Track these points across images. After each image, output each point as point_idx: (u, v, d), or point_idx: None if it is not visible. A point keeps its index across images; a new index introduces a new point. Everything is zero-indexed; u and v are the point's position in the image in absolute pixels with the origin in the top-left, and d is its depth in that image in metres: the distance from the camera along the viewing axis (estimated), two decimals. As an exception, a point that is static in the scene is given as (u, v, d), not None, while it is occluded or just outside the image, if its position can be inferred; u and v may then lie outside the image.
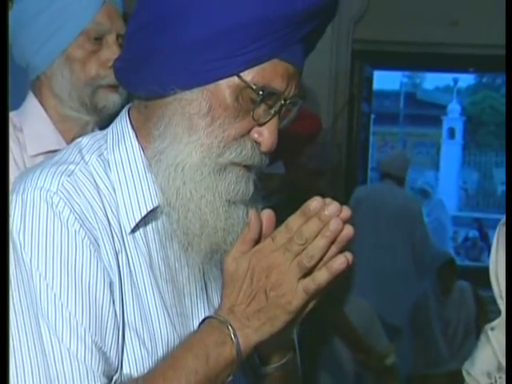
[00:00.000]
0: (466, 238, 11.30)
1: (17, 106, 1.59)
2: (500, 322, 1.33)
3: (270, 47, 0.91)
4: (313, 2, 0.92)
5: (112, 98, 1.52)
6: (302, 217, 0.88)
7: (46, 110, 1.55)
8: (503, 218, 1.30)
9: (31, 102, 1.57)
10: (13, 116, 1.56)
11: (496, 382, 1.32)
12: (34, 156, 1.49)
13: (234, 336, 0.88)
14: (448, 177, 18.13)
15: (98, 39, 1.51)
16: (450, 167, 18.21)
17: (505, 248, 1.28)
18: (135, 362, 0.92)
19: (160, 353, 0.93)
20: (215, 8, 0.90)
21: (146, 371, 0.91)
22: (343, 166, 4.91)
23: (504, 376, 1.32)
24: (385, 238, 4.19)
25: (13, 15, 1.53)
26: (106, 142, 0.99)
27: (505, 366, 1.32)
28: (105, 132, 1.02)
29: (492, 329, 1.35)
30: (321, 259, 0.87)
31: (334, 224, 0.86)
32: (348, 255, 0.87)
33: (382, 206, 4.20)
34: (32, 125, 1.54)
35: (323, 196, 0.89)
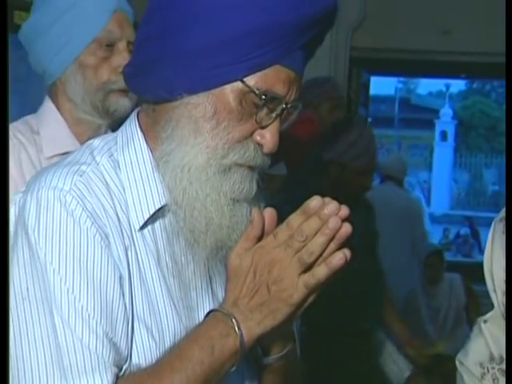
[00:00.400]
0: (458, 235, 11.31)
1: (34, 110, 1.59)
2: (493, 314, 1.33)
3: (273, 54, 0.91)
4: (315, 10, 0.91)
5: (123, 102, 1.52)
6: (302, 215, 0.87)
7: (61, 113, 1.55)
8: (498, 215, 1.29)
9: (47, 106, 1.57)
10: (30, 119, 1.56)
11: (488, 371, 1.31)
12: (50, 157, 1.49)
13: (238, 328, 0.88)
14: (440, 177, 18.15)
15: (110, 46, 1.50)
16: (443, 168, 18.23)
17: (500, 244, 1.27)
18: (144, 352, 0.91)
19: (167, 344, 0.92)
20: (221, 16, 0.90)
21: (153, 361, 0.90)
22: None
23: (496, 366, 1.31)
24: (389, 236, 4.24)
25: (29, 26, 1.54)
26: (116, 143, 0.99)
27: (496, 357, 1.31)
28: (115, 134, 1.01)
29: (485, 321, 1.34)
30: (320, 255, 0.87)
31: (333, 222, 0.85)
32: (346, 252, 0.86)
33: (387, 206, 4.25)
34: (48, 128, 1.53)
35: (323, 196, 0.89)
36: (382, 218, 3.98)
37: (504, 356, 1.30)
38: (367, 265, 2.51)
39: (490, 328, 1.32)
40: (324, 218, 0.86)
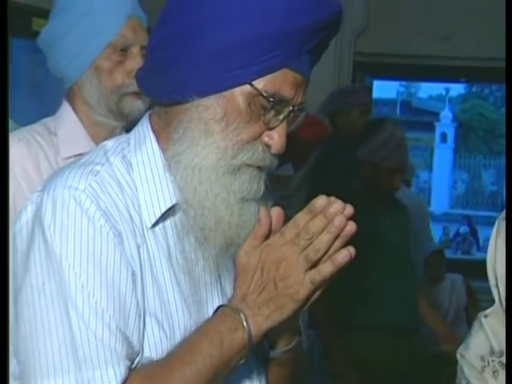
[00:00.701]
0: (457, 234, 11.26)
1: (52, 113, 1.59)
2: (493, 309, 1.32)
3: (281, 58, 0.90)
4: (322, 17, 0.91)
5: (137, 105, 1.51)
6: (308, 214, 0.87)
7: (77, 115, 1.55)
8: (502, 213, 1.29)
9: (65, 109, 1.56)
10: (48, 121, 1.56)
11: (489, 364, 1.30)
12: (67, 158, 1.48)
13: (246, 323, 0.87)
14: (440, 177, 18.09)
15: (124, 50, 1.50)
16: (442, 169, 18.16)
17: (503, 241, 1.27)
18: (155, 345, 0.91)
19: (177, 338, 0.92)
20: (232, 23, 0.89)
21: (164, 354, 0.90)
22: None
23: (496, 359, 1.30)
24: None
25: (47, 32, 1.54)
26: (129, 144, 0.98)
27: (497, 350, 1.30)
28: (128, 136, 1.01)
29: (486, 316, 1.33)
30: (326, 253, 0.86)
31: (338, 220, 0.85)
32: (351, 249, 0.86)
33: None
34: (65, 129, 1.53)
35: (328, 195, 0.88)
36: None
37: (504, 349, 1.29)
38: (404, 261, 2.48)
39: (491, 322, 1.31)
40: (329, 216, 0.85)
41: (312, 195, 0.90)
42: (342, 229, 0.85)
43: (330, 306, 2.22)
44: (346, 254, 0.85)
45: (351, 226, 0.86)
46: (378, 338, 2.33)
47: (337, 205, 0.85)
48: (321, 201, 0.86)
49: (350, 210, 0.86)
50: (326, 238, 0.85)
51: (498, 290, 1.29)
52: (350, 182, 2.48)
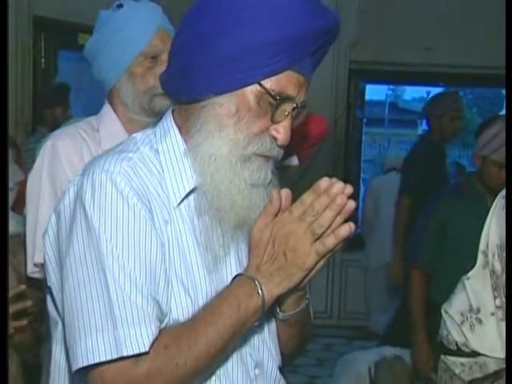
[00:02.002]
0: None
1: (96, 112, 1.58)
2: (474, 272, 1.31)
3: (287, 61, 0.88)
4: (323, 25, 0.89)
5: (165, 103, 1.49)
6: (313, 194, 0.85)
7: (116, 114, 1.53)
8: (502, 191, 1.27)
9: (106, 109, 1.55)
10: (92, 120, 1.55)
11: (467, 319, 1.30)
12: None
13: (260, 289, 0.86)
14: (422, 167, 18.00)
15: (154, 58, 1.48)
16: (424, 159, 18.08)
17: (497, 216, 1.26)
18: (182, 309, 0.88)
19: (200, 302, 0.89)
20: (244, 30, 0.87)
21: (189, 317, 0.87)
22: (342, 159, 4.91)
23: (474, 315, 1.29)
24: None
25: (91, 44, 1.54)
26: (155, 136, 0.96)
27: (474, 308, 1.29)
28: (153, 129, 0.98)
29: (468, 278, 1.32)
30: (329, 228, 0.84)
31: (340, 199, 0.83)
32: (351, 224, 0.84)
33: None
34: (106, 126, 1.51)
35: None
36: (394, 200, 3.93)
37: (480, 307, 1.28)
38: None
39: (472, 283, 1.30)
40: (332, 195, 0.83)
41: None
42: (343, 206, 0.84)
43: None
44: (347, 229, 0.84)
45: (351, 204, 0.84)
46: None
47: (338, 185, 0.84)
48: (324, 182, 0.84)
49: (350, 189, 0.84)
50: (329, 214, 0.83)
51: (486, 256, 1.28)
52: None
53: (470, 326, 1.29)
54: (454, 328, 1.32)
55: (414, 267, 2.39)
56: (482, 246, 1.29)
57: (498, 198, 1.29)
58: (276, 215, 0.88)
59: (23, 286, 1.41)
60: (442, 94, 3.74)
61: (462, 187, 2.41)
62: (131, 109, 1.51)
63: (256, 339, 0.95)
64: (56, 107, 3.33)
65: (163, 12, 1.54)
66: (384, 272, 4.11)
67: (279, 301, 0.92)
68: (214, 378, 0.89)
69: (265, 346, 0.96)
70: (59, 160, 1.43)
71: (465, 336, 1.29)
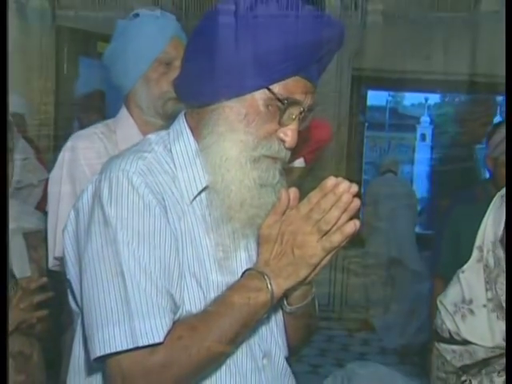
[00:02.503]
0: (433, 213, 11.14)
1: (113, 115, 1.57)
2: (468, 266, 1.31)
3: (294, 67, 0.86)
4: (329, 34, 0.88)
5: (178, 107, 1.48)
6: (320, 192, 0.84)
7: (132, 117, 1.53)
8: (502, 190, 1.26)
9: (123, 112, 1.54)
10: (110, 122, 1.55)
11: (459, 310, 1.29)
12: None
13: (269, 284, 0.85)
14: (420, 170, 17.98)
15: (168, 64, 1.48)
16: (422, 163, 18.06)
17: (494, 214, 1.25)
18: (194, 301, 0.87)
19: (212, 295, 0.88)
20: (254, 38, 0.85)
21: (202, 309, 0.86)
22: (345, 161, 4.91)
23: (466, 306, 1.29)
24: (401, 211, 4.30)
25: (109, 51, 1.53)
26: (169, 137, 0.95)
27: (467, 299, 1.29)
28: (166, 131, 0.97)
29: (462, 272, 1.32)
30: (335, 225, 0.83)
31: (346, 197, 0.82)
32: (356, 222, 0.83)
33: (396, 189, 4.32)
34: (122, 128, 1.51)
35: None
36: (393, 200, 3.95)
37: (473, 299, 1.28)
38: None
39: (466, 276, 1.30)
40: (338, 194, 0.82)
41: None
42: (349, 204, 0.82)
43: None
44: (352, 226, 0.83)
45: (356, 202, 0.83)
46: None
47: (344, 184, 0.83)
48: (331, 181, 0.83)
49: (355, 188, 0.83)
50: (335, 212, 0.82)
51: (481, 251, 1.27)
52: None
53: (462, 316, 1.29)
54: (447, 317, 1.32)
55: (436, 276, 2.36)
56: (477, 242, 1.28)
57: (496, 196, 1.27)
58: (284, 213, 0.87)
59: (45, 279, 1.41)
60: (478, 98, 3.65)
61: (476, 192, 2.36)
62: (146, 112, 1.50)
63: (264, 331, 0.94)
64: (92, 112, 3.33)
65: (176, 21, 1.54)
66: (382, 269, 4.17)
67: (286, 294, 0.90)
68: (224, 367, 0.88)
69: (272, 338, 0.95)
70: (78, 160, 1.43)
71: (457, 325, 1.28)
